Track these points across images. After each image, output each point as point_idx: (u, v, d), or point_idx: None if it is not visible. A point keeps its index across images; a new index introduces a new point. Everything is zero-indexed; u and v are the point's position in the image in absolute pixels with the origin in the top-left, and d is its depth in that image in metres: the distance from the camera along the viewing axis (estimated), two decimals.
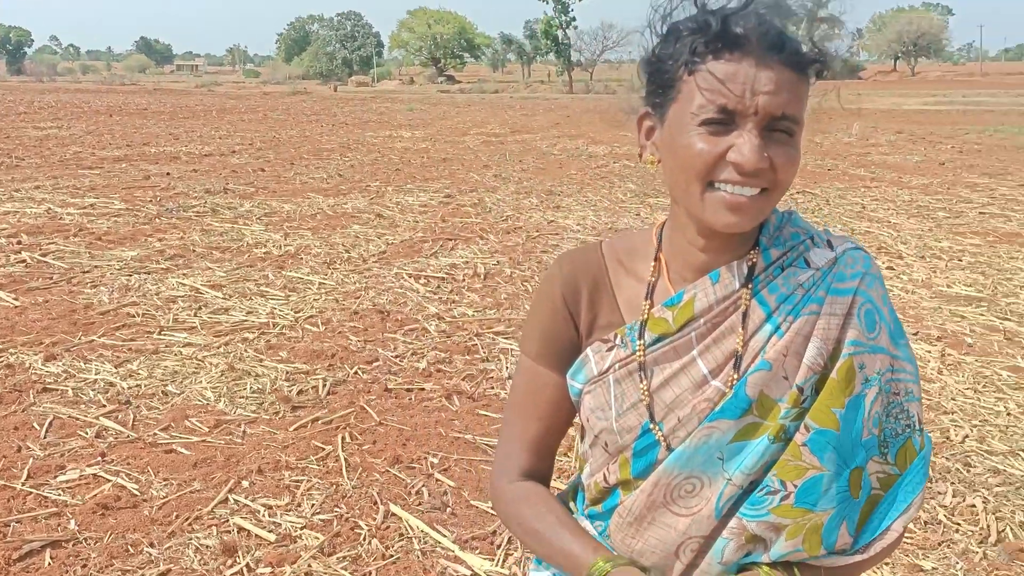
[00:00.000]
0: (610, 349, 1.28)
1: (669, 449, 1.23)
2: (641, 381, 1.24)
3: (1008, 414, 4.62)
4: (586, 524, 1.35)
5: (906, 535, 3.34)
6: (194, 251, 8.02)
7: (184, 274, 7.15)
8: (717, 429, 1.20)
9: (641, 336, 1.25)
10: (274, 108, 33.12)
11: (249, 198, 11.13)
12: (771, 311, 1.21)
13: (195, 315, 6.02)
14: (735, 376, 1.20)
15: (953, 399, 4.82)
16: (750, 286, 1.23)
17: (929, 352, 5.59)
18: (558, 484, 3.63)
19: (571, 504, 1.42)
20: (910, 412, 1.24)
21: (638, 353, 1.25)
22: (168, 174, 13.14)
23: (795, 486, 1.17)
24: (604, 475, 1.30)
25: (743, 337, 1.21)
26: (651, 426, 1.24)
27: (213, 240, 8.52)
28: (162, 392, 4.67)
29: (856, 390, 1.19)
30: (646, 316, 1.26)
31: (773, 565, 1.21)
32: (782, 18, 1.16)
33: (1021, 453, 4.15)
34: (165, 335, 5.60)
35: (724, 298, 1.23)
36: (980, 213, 11.01)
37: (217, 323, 5.87)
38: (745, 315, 1.22)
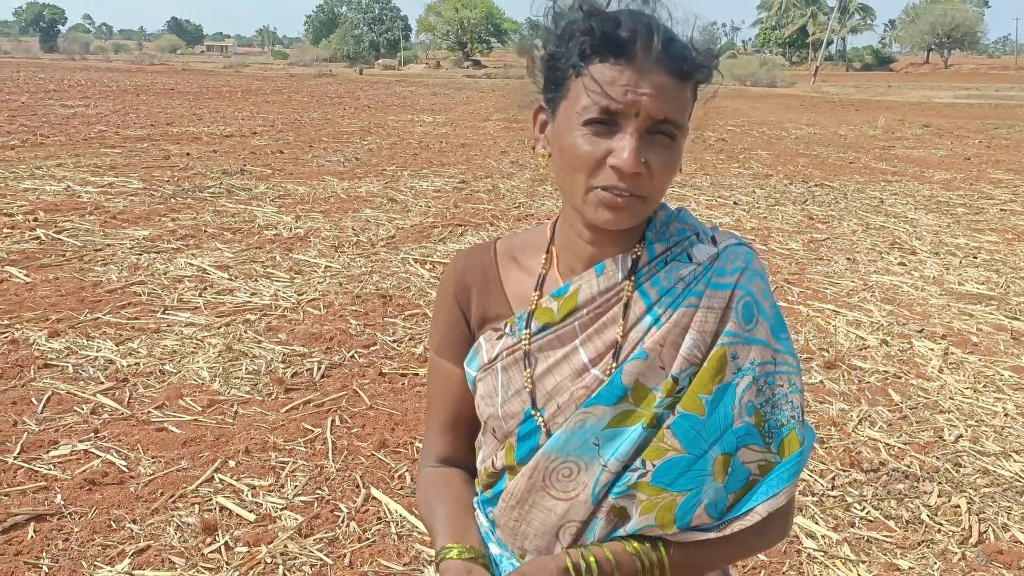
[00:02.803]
0: (500, 337, 1.32)
1: (549, 435, 1.26)
2: (526, 368, 1.29)
3: (1005, 415, 4.58)
4: (479, 511, 1.39)
5: (886, 533, 3.34)
6: (205, 231, 8.08)
7: (193, 254, 7.21)
8: (592, 415, 1.23)
9: (528, 325, 1.30)
10: (299, 90, 33.21)
11: (265, 180, 11.19)
12: (652, 303, 1.25)
13: (200, 295, 6.08)
14: (614, 365, 1.24)
15: (951, 398, 4.79)
16: (633, 279, 1.26)
17: (932, 350, 5.55)
18: None
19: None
20: (794, 403, 1.26)
21: (524, 341, 1.29)
22: (188, 154, 13.23)
23: (653, 465, 1.20)
24: (492, 461, 1.34)
25: (623, 328, 1.25)
26: (533, 412, 1.28)
27: (225, 221, 8.58)
28: (159, 371, 4.72)
29: (726, 378, 1.22)
30: (534, 306, 1.30)
31: (641, 540, 1.24)
32: (668, 24, 1.18)
33: (1014, 454, 4.11)
34: (168, 314, 5.65)
35: (607, 289, 1.26)
36: (1001, 210, 10.89)
37: (220, 304, 5.92)
38: (627, 306, 1.25)
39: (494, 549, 1.35)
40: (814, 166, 14.68)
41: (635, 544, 1.23)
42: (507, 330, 1.32)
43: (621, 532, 1.24)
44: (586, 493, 1.24)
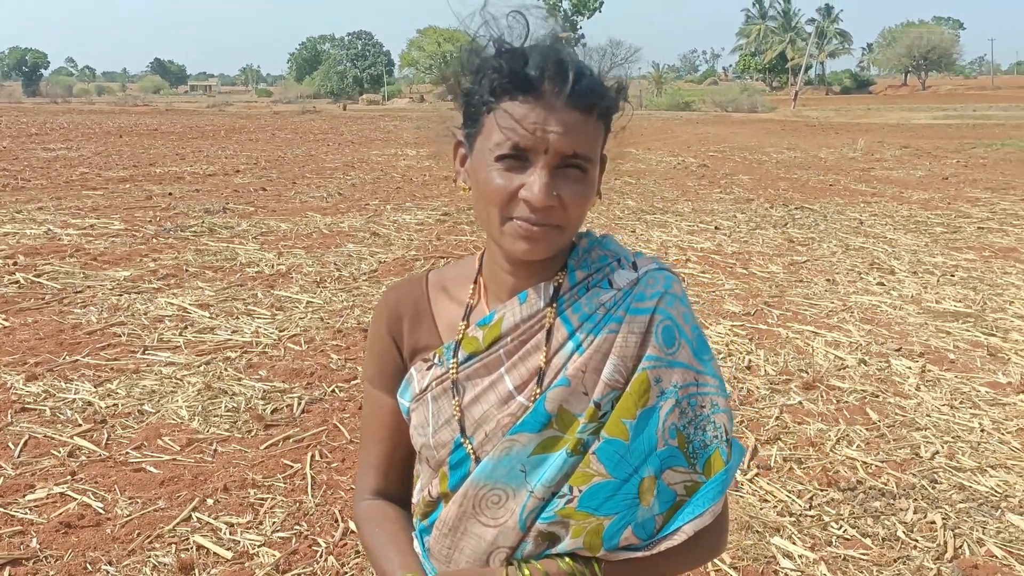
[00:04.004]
0: (429, 368, 1.35)
1: (479, 462, 1.28)
2: (454, 397, 1.31)
3: (982, 430, 4.61)
4: (416, 541, 1.40)
5: (863, 551, 3.35)
6: (187, 271, 8.09)
7: (174, 294, 7.21)
8: (518, 442, 1.25)
9: (455, 354, 1.32)
10: (282, 127, 33.33)
11: (248, 217, 11.21)
12: (574, 329, 1.27)
13: (180, 334, 6.08)
14: (538, 392, 1.26)
15: (928, 415, 4.82)
16: (555, 306, 1.29)
17: (909, 368, 5.59)
18: None
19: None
20: (717, 424, 1.29)
21: (452, 370, 1.32)
22: (170, 194, 13.24)
23: (580, 491, 1.22)
24: (429, 490, 1.36)
25: (547, 354, 1.27)
26: (462, 440, 1.30)
27: (207, 260, 8.59)
28: (138, 411, 4.71)
29: (650, 402, 1.24)
30: (461, 336, 1.33)
31: (574, 558, 1.25)
32: (575, 61, 1.21)
33: (990, 470, 4.14)
34: (148, 354, 5.65)
35: (530, 317, 1.29)
36: (978, 228, 11.00)
37: (201, 342, 5.92)
38: (549, 333, 1.28)
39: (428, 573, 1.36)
40: (795, 189, 14.80)
41: (569, 561, 1.25)
42: (436, 360, 1.34)
43: (553, 552, 1.26)
44: (514, 519, 1.25)
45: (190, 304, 6.87)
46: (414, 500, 1.42)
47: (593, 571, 1.25)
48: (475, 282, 1.39)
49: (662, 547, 1.25)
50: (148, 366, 5.43)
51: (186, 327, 6.28)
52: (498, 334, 1.30)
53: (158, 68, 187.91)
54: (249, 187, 14.35)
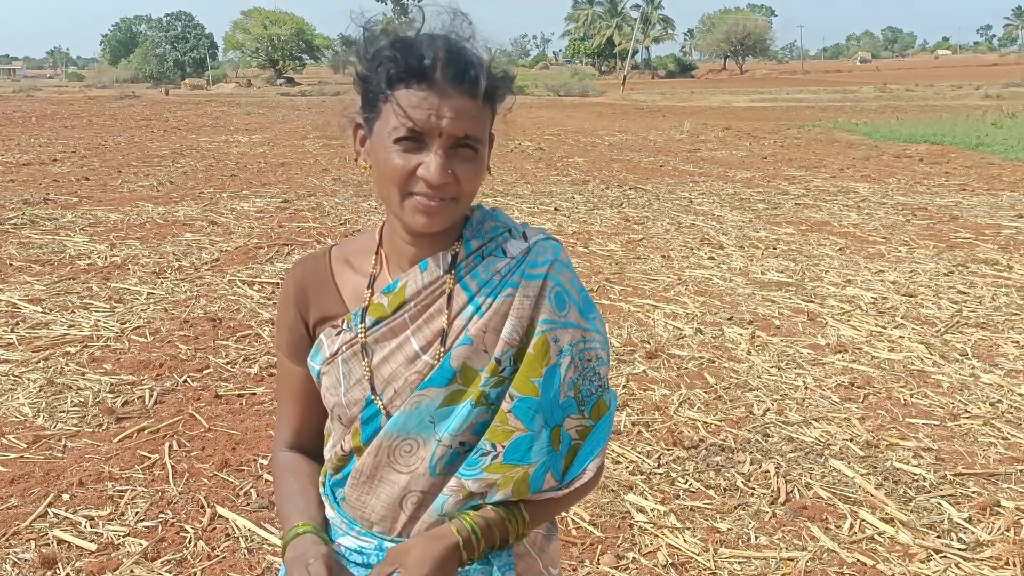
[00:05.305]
0: (339, 333, 1.46)
1: (389, 417, 1.41)
2: (364, 359, 1.42)
3: (805, 388, 5.04)
4: (326, 494, 1.52)
5: (707, 501, 3.64)
6: (11, 265, 7.67)
7: (0, 289, 6.84)
8: (426, 396, 1.38)
9: (363, 320, 1.43)
10: (100, 113, 31.68)
11: (72, 208, 10.69)
12: (473, 294, 1.41)
13: (11, 331, 5.79)
14: (442, 351, 1.40)
15: (759, 377, 5.21)
16: (453, 272, 1.42)
17: (741, 335, 6.00)
18: None
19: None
20: (601, 375, 1.47)
21: (360, 335, 1.43)
22: None
23: (503, 447, 1.37)
24: (341, 445, 1.47)
25: (448, 317, 1.41)
26: (373, 398, 1.42)
27: (32, 253, 8.17)
28: None
29: (552, 360, 1.40)
30: (367, 303, 1.44)
31: (503, 504, 1.40)
32: (465, 50, 1.33)
33: (813, 422, 4.54)
34: None
35: (431, 283, 1.42)
36: (795, 204, 11.77)
37: (36, 338, 5.67)
38: (450, 298, 1.41)
39: (339, 523, 1.48)
40: (628, 171, 15.37)
41: (499, 507, 1.39)
42: (344, 326, 1.45)
43: (481, 502, 1.39)
44: (424, 466, 1.39)
45: (19, 299, 6.54)
46: (326, 455, 1.53)
47: (520, 513, 1.40)
48: (376, 254, 1.49)
49: (575, 485, 1.43)
50: None
51: (17, 323, 5.99)
52: (403, 300, 1.41)
53: None
54: (70, 176, 13.65)
